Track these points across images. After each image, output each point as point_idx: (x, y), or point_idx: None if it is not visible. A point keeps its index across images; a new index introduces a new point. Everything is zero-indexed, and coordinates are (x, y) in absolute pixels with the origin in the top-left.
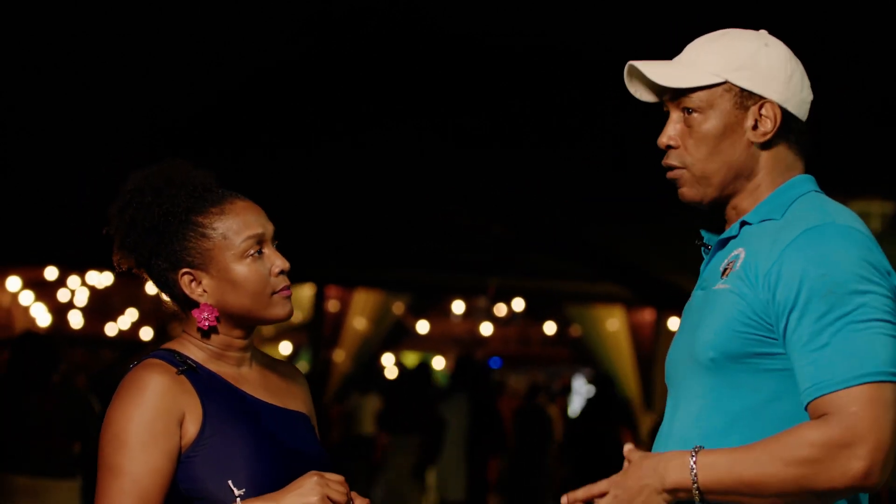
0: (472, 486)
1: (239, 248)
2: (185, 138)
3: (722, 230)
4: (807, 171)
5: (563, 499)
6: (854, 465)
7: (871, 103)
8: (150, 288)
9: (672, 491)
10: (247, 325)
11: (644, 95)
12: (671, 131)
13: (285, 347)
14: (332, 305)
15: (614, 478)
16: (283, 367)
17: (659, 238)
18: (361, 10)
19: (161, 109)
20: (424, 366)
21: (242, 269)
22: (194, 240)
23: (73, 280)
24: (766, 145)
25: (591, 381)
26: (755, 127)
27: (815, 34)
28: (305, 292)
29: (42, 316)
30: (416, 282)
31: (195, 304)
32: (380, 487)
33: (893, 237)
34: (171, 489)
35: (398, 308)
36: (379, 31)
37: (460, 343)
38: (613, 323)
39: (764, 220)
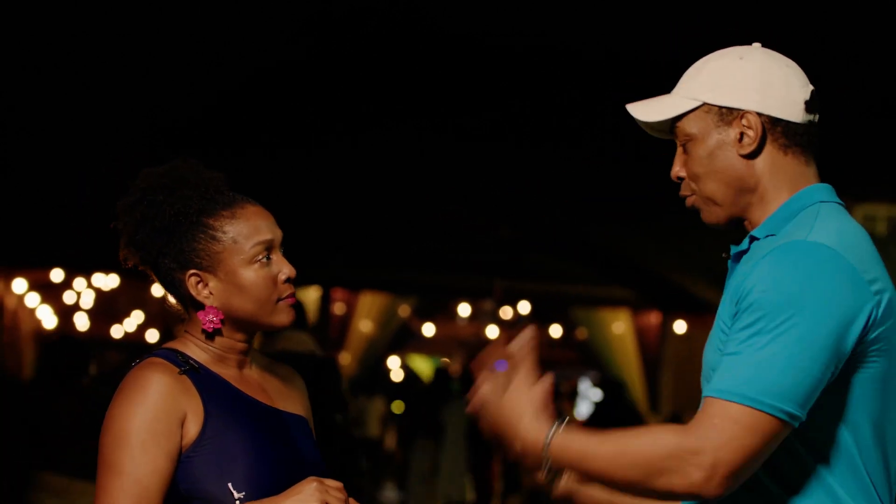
0: (476, 488)
1: (248, 253)
2: (186, 138)
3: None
4: (819, 170)
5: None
6: (694, 474)
7: (877, 106)
8: (157, 290)
9: (522, 440)
10: (249, 329)
11: (654, 132)
12: (677, 163)
13: None
14: (338, 308)
15: (502, 383)
16: (281, 370)
17: (665, 240)
18: (362, 10)
19: (163, 110)
20: (442, 371)
21: (250, 275)
22: (204, 242)
23: (79, 282)
24: (756, 155)
25: (597, 384)
26: (741, 139)
27: (819, 35)
28: (311, 295)
29: (48, 318)
30: (422, 284)
31: (200, 306)
32: (399, 490)
33: None
34: (170, 489)
35: (404, 311)
36: (381, 31)
37: (466, 346)
38: (619, 326)
39: (768, 236)
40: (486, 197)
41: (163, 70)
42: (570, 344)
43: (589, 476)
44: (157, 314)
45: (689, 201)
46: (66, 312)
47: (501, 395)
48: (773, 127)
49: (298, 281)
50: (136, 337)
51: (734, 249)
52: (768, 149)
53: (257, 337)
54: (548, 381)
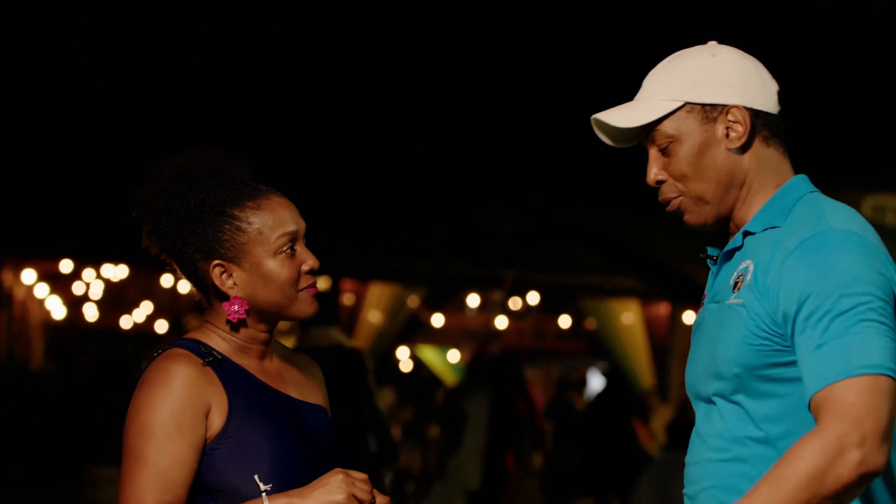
0: (491, 477)
1: (273, 244)
2: (199, 130)
3: (725, 242)
4: (829, 162)
5: None
6: (852, 456)
7: (884, 97)
8: (165, 281)
9: None
10: (273, 319)
11: (620, 142)
12: (655, 167)
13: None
14: (347, 299)
15: None
16: (300, 359)
17: (675, 231)
18: (374, 4)
19: (177, 102)
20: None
21: (275, 265)
22: (229, 232)
23: (88, 273)
24: (745, 148)
25: (605, 374)
26: (728, 135)
27: (828, 26)
28: (320, 285)
29: (57, 309)
30: (432, 275)
31: (224, 296)
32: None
33: None
34: (195, 481)
35: (413, 301)
36: (393, 25)
37: (475, 336)
38: (628, 316)
39: (767, 228)
40: (495, 188)
41: (177, 62)
42: (579, 334)
43: None
44: (166, 305)
45: (673, 204)
46: (75, 303)
47: None
48: (756, 119)
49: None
50: (146, 328)
51: (727, 247)
52: (755, 142)
53: (287, 334)
54: None
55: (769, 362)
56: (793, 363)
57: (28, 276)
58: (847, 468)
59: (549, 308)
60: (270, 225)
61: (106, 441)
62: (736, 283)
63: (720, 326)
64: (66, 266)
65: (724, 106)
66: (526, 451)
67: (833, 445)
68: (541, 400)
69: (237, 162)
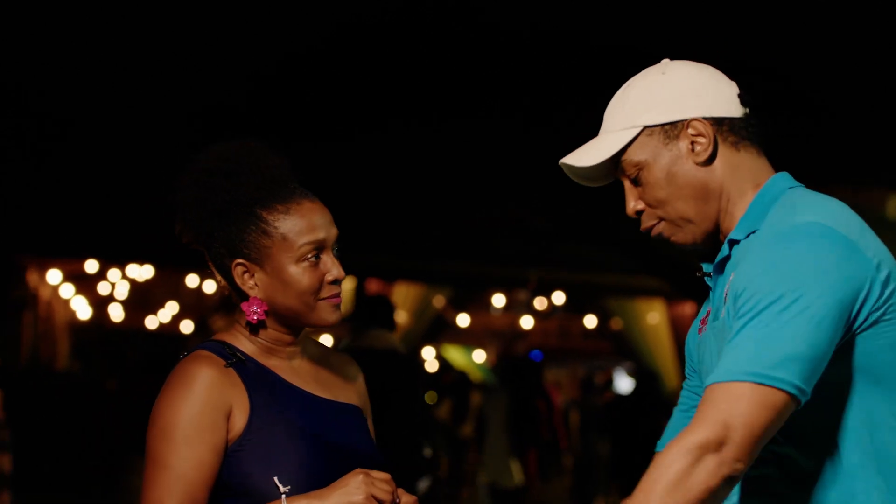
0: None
1: (297, 252)
2: (225, 128)
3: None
4: (768, 155)
5: None
6: (712, 460)
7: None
8: (191, 281)
9: None
10: (294, 324)
11: (593, 181)
12: (631, 199)
13: (326, 340)
14: None
15: None
16: (336, 359)
17: None
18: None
19: (203, 103)
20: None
21: (296, 272)
22: (254, 234)
23: (114, 273)
24: (713, 159)
25: (631, 374)
26: (693, 149)
27: (847, 22)
28: (346, 285)
29: (82, 309)
30: (457, 275)
31: (246, 296)
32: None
33: None
34: (218, 483)
35: (439, 301)
36: (420, 23)
37: (500, 336)
38: (654, 316)
39: (749, 234)
40: (521, 187)
41: (203, 60)
42: (604, 334)
43: None
44: (191, 305)
45: (655, 231)
46: (100, 303)
47: None
48: (719, 127)
49: None
50: (171, 328)
51: (717, 259)
52: (721, 150)
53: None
54: None
55: None
56: None
57: (53, 276)
58: (705, 472)
59: (575, 308)
60: (297, 231)
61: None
62: (726, 295)
63: (721, 343)
64: (91, 266)
65: (682, 121)
66: (550, 450)
67: (694, 451)
68: (559, 400)
69: (277, 158)
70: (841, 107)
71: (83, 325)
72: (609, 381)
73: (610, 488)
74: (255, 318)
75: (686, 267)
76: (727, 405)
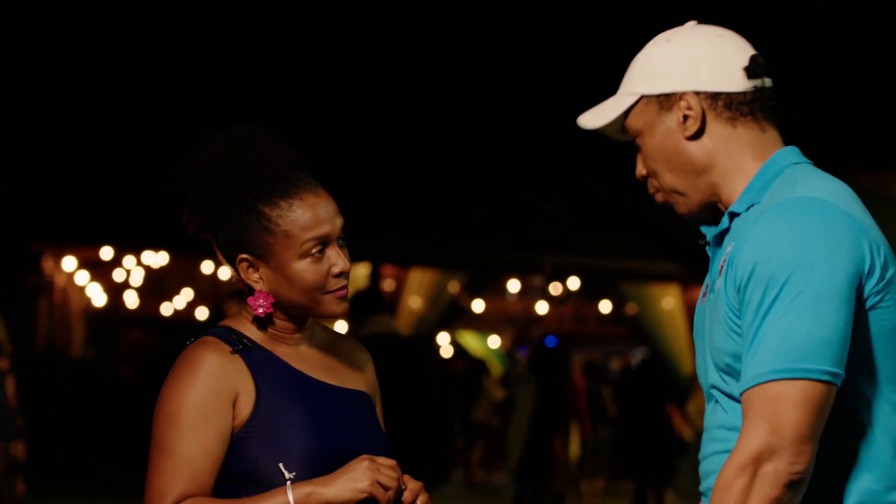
0: (541, 461)
1: (300, 247)
2: (239, 118)
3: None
4: (782, 132)
5: None
6: (768, 468)
7: None
8: (206, 268)
9: None
10: (301, 316)
11: (619, 136)
12: (638, 163)
13: (341, 326)
14: (388, 284)
15: None
16: (345, 344)
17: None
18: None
19: (218, 90)
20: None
21: (300, 267)
22: (257, 230)
23: (129, 260)
24: (702, 134)
25: (637, 362)
26: (684, 122)
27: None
28: (361, 271)
29: (97, 296)
30: (472, 260)
31: (251, 289)
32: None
33: None
34: (222, 469)
35: (453, 287)
36: (436, 12)
37: (515, 322)
38: (669, 301)
39: (749, 207)
40: (535, 173)
41: (223, 48)
42: (619, 319)
43: None
44: (206, 292)
45: (658, 197)
46: (115, 290)
47: None
48: (713, 102)
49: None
50: (186, 315)
51: (713, 231)
52: (713, 125)
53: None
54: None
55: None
56: None
57: (69, 263)
58: (766, 484)
59: (590, 293)
60: (300, 226)
61: None
62: (721, 267)
63: (713, 316)
64: (106, 253)
65: (675, 94)
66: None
67: (748, 465)
68: (583, 387)
69: (279, 148)
70: (859, 91)
71: (98, 312)
72: (627, 367)
73: (615, 472)
74: (263, 311)
75: (700, 251)
76: (767, 409)
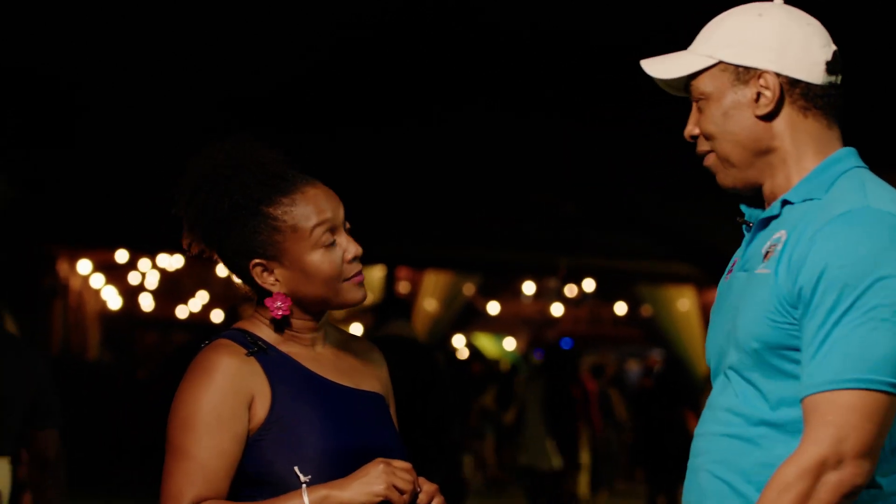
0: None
1: (311, 239)
2: (255, 119)
3: (761, 208)
4: (842, 133)
5: None
6: (832, 477)
7: None
8: (221, 270)
9: None
10: (320, 310)
11: (670, 89)
12: (691, 121)
13: (356, 329)
14: (403, 287)
15: None
16: (358, 345)
17: (730, 217)
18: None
19: (232, 92)
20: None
21: (315, 259)
22: (265, 232)
23: (144, 263)
24: (774, 116)
25: (651, 365)
26: (757, 100)
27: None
28: (376, 274)
29: (113, 299)
30: (487, 262)
31: (267, 292)
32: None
33: None
34: (239, 472)
35: (469, 289)
36: (440, 12)
37: (531, 324)
38: (684, 303)
39: (806, 200)
40: (551, 174)
41: (235, 51)
42: (635, 321)
43: None
44: (221, 294)
45: (707, 160)
46: (130, 293)
47: None
48: (791, 88)
49: (363, 260)
50: (201, 317)
51: (759, 213)
52: (786, 110)
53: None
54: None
55: (789, 343)
56: None
57: (84, 266)
58: (827, 492)
59: (605, 295)
60: (306, 217)
61: None
62: (767, 253)
63: (745, 296)
64: (121, 256)
65: (756, 69)
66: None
67: (812, 470)
68: (594, 388)
69: (269, 150)
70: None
71: (113, 314)
72: (649, 369)
73: (631, 473)
74: (280, 313)
75: (715, 253)
76: (837, 417)
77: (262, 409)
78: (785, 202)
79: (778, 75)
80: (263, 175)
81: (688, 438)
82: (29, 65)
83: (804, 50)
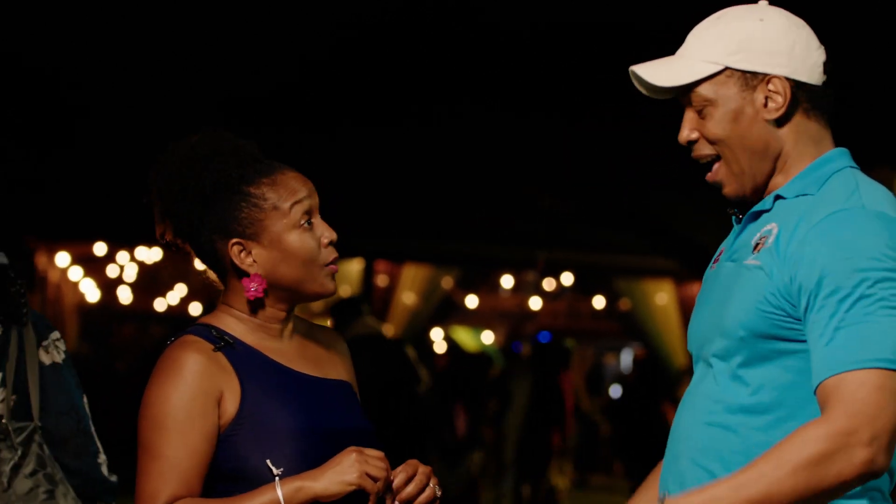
0: (539, 452)
1: (291, 218)
2: (255, 119)
3: (752, 202)
4: (832, 130)
5: None
6: (859, 453)
7: None
8: (199, 263)
9: None
10: (292, 298)
11: (656, 94)
12: (687, 128)
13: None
14: (381, 280)
15: None
16: (322, 335)
17: (709, 210)
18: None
19: (233, 91)
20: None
21: (293, 238)
22: (246, 210)
23: (122, 256)
24: (782, 120)
25: (634, 360)
26: (766, 105)
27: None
28: (354, 267)
29: (91, 292)
30: (465, 256)
31: (244, 274)
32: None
33: None
34: (212, 469)
35: (447, 282)
36: (430, 11)
37: (509, 318)
38: (662, 297)
39: (799, 196)
40: (529, 169)
41: (217, 45)
42: (613, 315)
43: None
44: (200, 287)
45: (715, 174)
46: (109, 286)
47: None
48: (797, 91)
49: (342, 253)
50: (180, 310)
51: (754, 207)
52: (793, 113)
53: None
54: None
55: (776, 333)
56: (800, 338)
57: (62, 259)
58: (851, 465)
59: (583, 289)
60: (286, 197)
61: None
62: (757, 245)
63: (733, 286)
64: (99, 249)
65: (765, 75)
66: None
67: (841, 439)
68: (576, 381)
69: (245, 142)
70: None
71: (92, 307)
72: (638, 361)
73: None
74: (255, 294)
75: (694, 247)
76: (864, 395)
77: (231, 405)
78: (778, 197)
79: (787, 79)
80: (243, 157)
81: (666, 431)
82: (8, 58)
83: (806, 53)
